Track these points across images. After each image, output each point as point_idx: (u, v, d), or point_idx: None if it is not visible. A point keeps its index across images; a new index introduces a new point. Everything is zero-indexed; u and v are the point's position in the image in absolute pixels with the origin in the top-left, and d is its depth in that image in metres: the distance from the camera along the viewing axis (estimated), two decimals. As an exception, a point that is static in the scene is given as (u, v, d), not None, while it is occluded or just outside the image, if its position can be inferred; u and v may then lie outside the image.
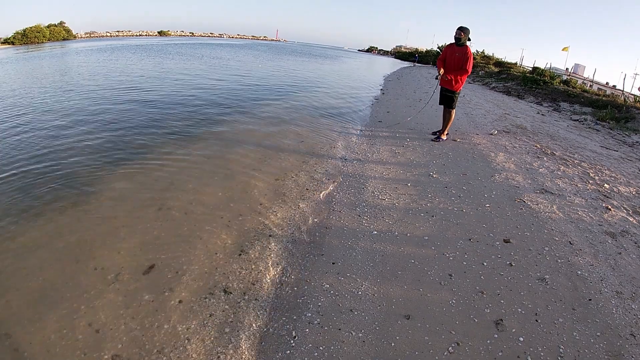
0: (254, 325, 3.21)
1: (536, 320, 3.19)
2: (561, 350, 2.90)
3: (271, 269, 3.96)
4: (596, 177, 6.50)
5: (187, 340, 3.02)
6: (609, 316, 3.27)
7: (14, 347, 2.96)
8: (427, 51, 68.37)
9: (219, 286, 3.66)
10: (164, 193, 5.55)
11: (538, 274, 3.82)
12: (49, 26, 73.82)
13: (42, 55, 34.23)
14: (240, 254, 4.17)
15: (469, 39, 8.13)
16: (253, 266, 3.98)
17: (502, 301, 3.42)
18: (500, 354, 2.86)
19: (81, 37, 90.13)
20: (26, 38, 65.46)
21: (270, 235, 4.56)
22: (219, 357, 2.88)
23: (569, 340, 2.99)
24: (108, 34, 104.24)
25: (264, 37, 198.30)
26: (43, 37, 68.33)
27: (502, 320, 3.18)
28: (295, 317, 3.28)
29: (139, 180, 5.97)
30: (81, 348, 2.94)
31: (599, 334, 3.07)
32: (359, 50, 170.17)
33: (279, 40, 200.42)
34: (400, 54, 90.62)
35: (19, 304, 3.40)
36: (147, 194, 5.53)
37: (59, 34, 75.13)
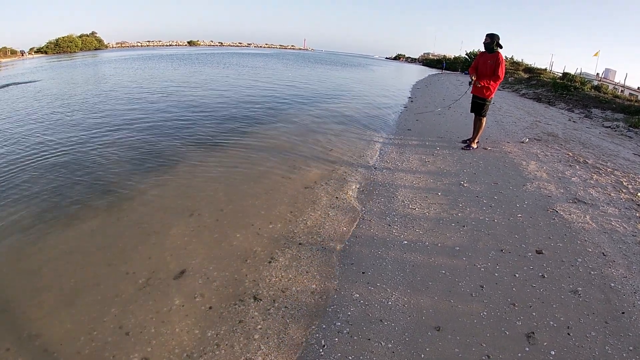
0: (283, 333, 3.24)
1: (568, 334, 3.15)
2: (594, 364, 2.86)
3: (301, 277, 3.99)
4: (630, 186, 6.37)
5: (216, 346, 3.07)
6: (643, 330, 3.21)
7: (44, 348, 3.06)
8: (455, 58, 67.79)
9: (249, 293, 3.71)
10: (195, 200, 5.66)
11: (571, 286, 3.77)
12: (80, 36, 75.85)
13: (75, 64, 35.25)
14: (270, 262, 4.22)
15: (500, 46, 8.08)
16: (283, 274, 4.02)
17: (533, 314, 3.39)
18: (531, 367, 2.84)
19: (112, 47, 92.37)
20: (59, 47, 67.37)
21: (300, 244, 4.61)
22: (247, 364, 2.92)
23: (601, 355, 2.94)
24: (139, 44, 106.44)
25: (292, 46, 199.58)
26: (75, 46, 70.27)
27: (533, 333, 3.16)
28: (324, 326, 3.30)
29: (171, 187, 6.11)
30: (110, 350, 3.03)
31: (631, 348, 3.02)
32: (386, 58, 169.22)
33: (307, 49, 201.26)
34: (427, 61, 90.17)
35: (51, 305, 3.53)
36: (178, 200, 5.65)
37: (91, 43, 77.20)
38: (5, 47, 58.35)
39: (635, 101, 17.32)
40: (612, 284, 3.80)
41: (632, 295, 3.65)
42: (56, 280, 3.87)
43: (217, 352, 3.01)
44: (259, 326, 3.29)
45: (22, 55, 60.39)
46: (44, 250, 4.39)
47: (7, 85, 19.85)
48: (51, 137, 8.95)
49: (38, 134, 9.26)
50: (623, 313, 3.41)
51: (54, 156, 7.56)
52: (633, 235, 4.76)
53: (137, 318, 3.36)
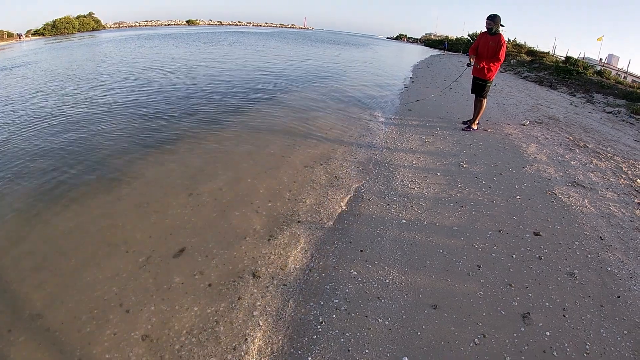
0: (281, 309, 3.27)
1: (563, 316, 3.18)
2: (587, 346, 2.88)
3: (300, 254, 4.01)
4: (629, 172, 6.37)
5: (215, 323, 3.10)
6: (637, 314, 3.22)
7: (45, 327, 3.08)
8: (457, 39, 67.23)
9: (248, 270, 3.73)
10: (194, 179, 5.66)
11: (567, 269, 3.79)
12: (78, 17, 75.41)
13: (73, 45, 34.97)
14: (269, 239, 4.24)
15: (502, 25, 8.01)
16: (282, 251, 4.04)
17: (530, 294, 3.41)
18: (526, 347, 2.86)
19: (110, 27, 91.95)
20: (56, 29, 67.08)
21: (299, 222, 4.62)
22: (246, 339, 2.94)
23: (595, 337, 2.97)
24: (137, 24, 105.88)
25: (292, 25, 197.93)
26: (72, 27, 70.02)
27: (529, 313, 3.18)
28: (322, 303, 3.33)
29: (170, 166, 6.10)
30: (112, 328, 3.04)
31: (626, 332, 3.04)
32: (387, 37, 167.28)
33: (307, 28, 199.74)
34: (429, 42, 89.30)
35: (52, 285, 3.54)
36: (177, 179, 5.65)
37: (88, 24, 76.98)
38: (1, 30, 57.75)
39: (638, 88, 17.22)
40: (609, 268, 3.82)
41: (628, 280, 3.66)
42: (56, 260, 3.88)
43: (217, 329, 3.03)
44: (258, 303, 3.32)
45: (19, 37, 59.85)
46: (44, 231, 4.39)
47: (5, 68, 19.59)
48: (50, 118, 8.96)
49: (37, 114, 9.25)
50: (619, 297, 3.43)
51: (53, 136, 7.56)
52: (631, 221, 4.77)
53: (137, 296, 3.38)
